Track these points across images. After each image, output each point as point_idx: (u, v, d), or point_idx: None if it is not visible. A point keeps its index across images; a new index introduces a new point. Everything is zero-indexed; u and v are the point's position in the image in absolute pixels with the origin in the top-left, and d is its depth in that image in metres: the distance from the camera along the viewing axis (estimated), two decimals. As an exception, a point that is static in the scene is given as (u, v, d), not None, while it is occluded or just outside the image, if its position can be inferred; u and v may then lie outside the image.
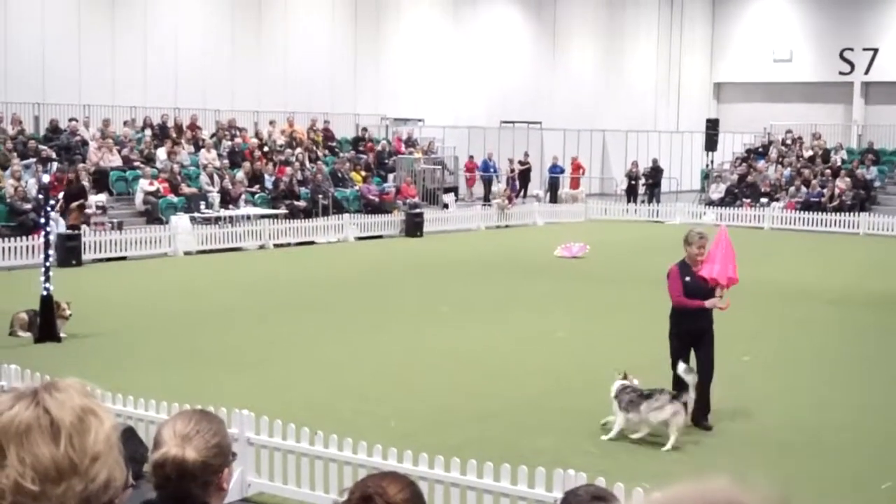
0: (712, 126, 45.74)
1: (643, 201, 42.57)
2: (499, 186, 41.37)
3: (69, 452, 1.98)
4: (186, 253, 27.47)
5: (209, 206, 30.72)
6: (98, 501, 2.02)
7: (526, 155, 44.28)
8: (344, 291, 21.61)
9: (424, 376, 14.17)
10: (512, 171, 42.91)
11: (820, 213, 38.41)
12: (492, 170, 42.84)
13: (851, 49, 53.52)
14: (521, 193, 42.59)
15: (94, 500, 2.01)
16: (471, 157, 43.09)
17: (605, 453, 10.90)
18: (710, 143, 45.21)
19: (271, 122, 37.65)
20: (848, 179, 41.04)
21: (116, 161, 31.70)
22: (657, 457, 10.86)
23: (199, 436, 3.35)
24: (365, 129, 40.75)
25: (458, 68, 46.84)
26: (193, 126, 35.54)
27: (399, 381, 13.87)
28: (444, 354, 15.53)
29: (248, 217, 30.67)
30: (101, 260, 25.75)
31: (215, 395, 11.86)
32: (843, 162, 43.66)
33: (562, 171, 44.38)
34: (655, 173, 43.65)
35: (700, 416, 11.86)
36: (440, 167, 40.11)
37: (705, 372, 11.93)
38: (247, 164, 33.52)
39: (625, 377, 11.80)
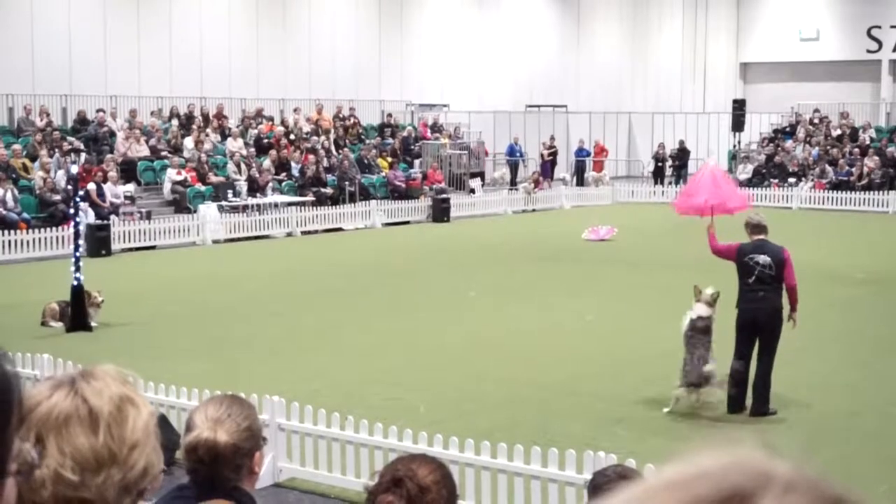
0: (739, 106, 45.46)
1: (670, 183, 42.40)
2: (526, 170, 41.32)
3: (108, 442, 2.01)
4: (215, 242, 27.59)
5: (237, 194, 30.83)
6: (136, 488, 2.04)
7: (552, 139, 44.19)
8: (372, 278, 21.65)
9: (453, 362, 14.19)
10: (544, 155, 42.87)
11: (849, 193, 38.18)
12: (518, 154, 42.78)
13: (879, 27, 53.02)
14: (548, 177, 42.52)
15: (132, 488, 2.03)
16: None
17: (637, 437, 10.89)
18: (737, 124, 44.96)
19: (296, 110, 37.72)
20: (877, 158, 40.75)
21: (144, 151, 31.85)
22: (689, 440, 10.85)
23: (231, 419, 3.38)
24: (390, 115, 40.77)
25: (483, 53, 46.76)
26: (220, 115, 35.66)
27: (428, 367, 13.90)
28: (472, 340, 15.55)
29: (276, 205, 30.75)
30: (130, 250, 25.91)
31: (245, 382, 11.93)
32: (872, 140, 43.36)
33: (588, 155, 44.27)
34: (682, 154, 43.48)
35: (759, 406, 11.67)
36: (466, 152, 40.09)
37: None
38: (273, 153, 33.61)
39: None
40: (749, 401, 11.73)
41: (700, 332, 11.72)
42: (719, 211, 12.50)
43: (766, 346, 11.66)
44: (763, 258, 11.71)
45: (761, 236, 11.95)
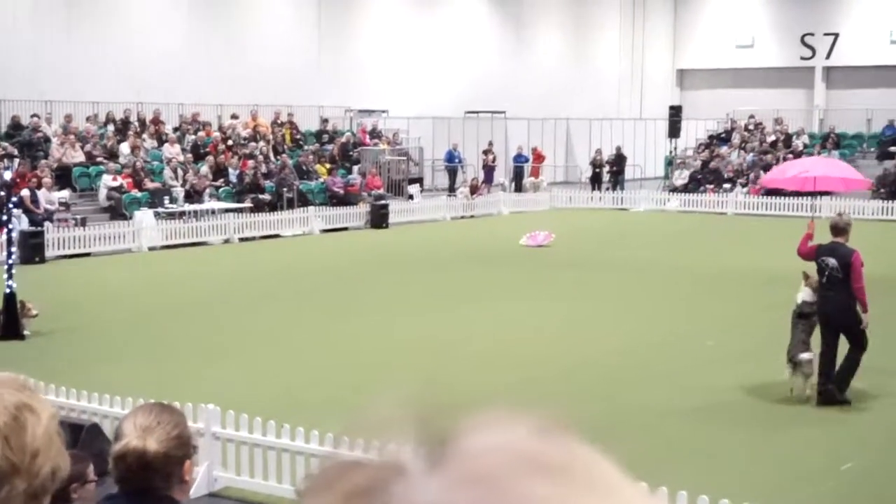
0: (675, 113, 45.91)
1: (607, 189, 42.71)
2: (464, 176, 41.43)
3: (7, 454, 1.96)
4: (151, 248, 27.36)
5: (173, 200, 30.60)
6: (46, 492, 2.01)
7: (490, 144, 44.34)
8: (312, 284, 21.60)
9: (395, 366, 14.19)
10: (486, 161, 43.07)
11: (782, 198, 38.65)
12: (457, 160, 42.88)
13: (812, 34, 53.85)
14: (487, 183, 42.62)
15: (41, 494, 2.00)
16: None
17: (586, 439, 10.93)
18: (673, 130, 45.39)
19: (233, 116, 37.53)
20: (810, 164, 41.26)
21: (79, 157, 31.52)
22: (636, 442, 10.92)
23: (161, 427, 3.37)
24: (326, 121, 40.66)
25: (423, 59, 46.82)
26: (156, 120, 35.38)
27: (371, 372, 13.87)
28: (414, 345, 15.56)
29: (213, 211, 30.56)
30: (64, 257, 25.63)
31: (182, 389, 11.85)
32: (805, 146, 43.96)
33: (526, 161, 44.46)
34: (619, 161, 43.81)
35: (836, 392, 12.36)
36: (405, 158, 40.11)
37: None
38: (211, 158, 33.42)
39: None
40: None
41: (803, 316, 12.56)
42: (822, 186, 13.56)
43: (850, 341, 12.32)
44: (832, 261, 12.31)
45: (838, 239, 12.55)
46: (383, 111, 43.59)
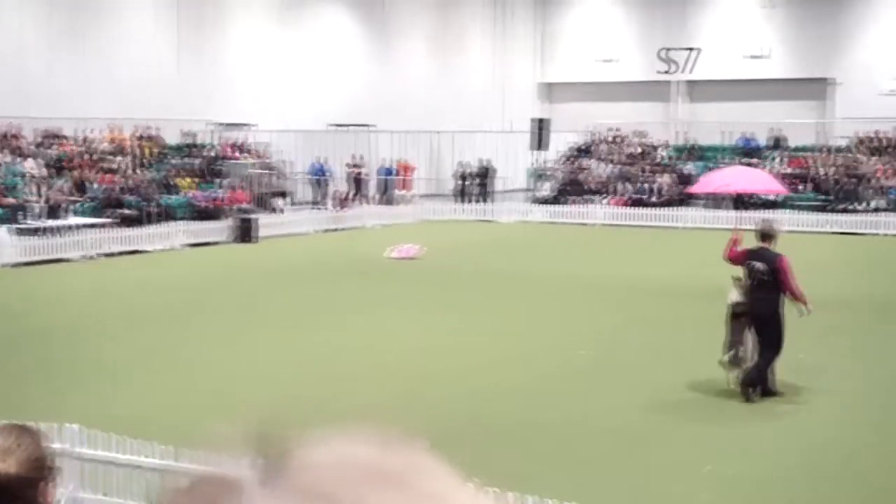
0: (540, 125, 46.50)
1: (475, 201, 43.04)
2: (331, 190, 41.33)
3: None
4: (7, 265, 26.61)
5: (32, 216, 29.84)
6: None
7: (360, 157, 44.32)
8: (177, 301, 21.27)
9: (260, 384, 14.06)
10: (354, 175, 43.06)
11: (645, 209, 39.46)
12: (324, 173, 42.76)
13: (673, 49, 55.08)
14: (355, 196, 42.63)
15: None
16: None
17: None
18: (539, 143, 45.96)
19: (94, 130, 36.78)
20: (671, 175, 42.25)
21: (-68, 172, 30.58)
22: (493, 453, 11.03)
23: (21, 449, 3.27)
24: (192, 135, 40.16)
25: (290, 73, 46.55)
26: (14, 135, 34.47)
27: (236, 389, 13.72)
28: (281, 361, 15.44)
29: (73, 227, 29.89)
30: (-83, 275, 24.81)
31: (44, 410, 11.54)
32: (666, 158, 44.95)
33: (393, 173, 44.56)
34: (485, 173, 44.19)
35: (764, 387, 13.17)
36: (271, 172, 39.84)
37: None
38: (71, 173, 32.70)
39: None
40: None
41: (736, 316, 13.24)
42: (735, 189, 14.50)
43: (768, 342, 12.98)
44: (760, 265, 12.94)
45: (766, 244, 13.19)
46: (250, 125, 43.22)
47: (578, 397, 13.41)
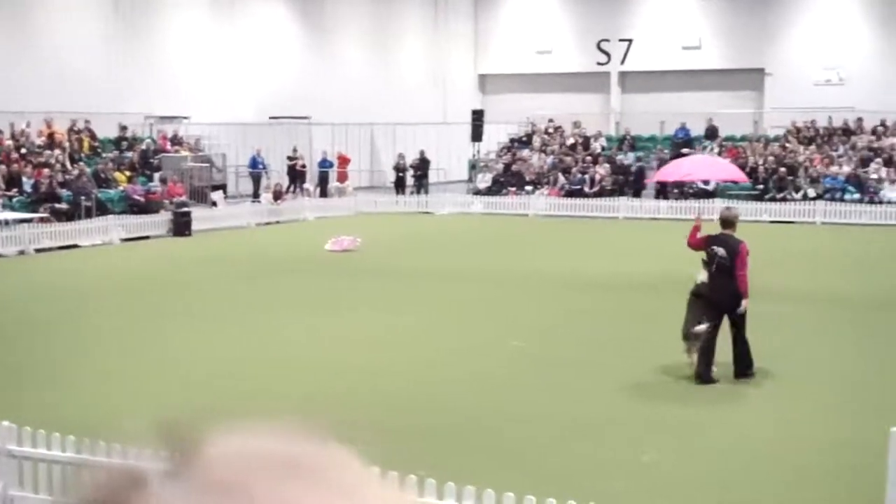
0: (477, 117, 46.58)
1: (412, 193, 43.04)
2: (269, 182, 41.13)
3: None
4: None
5: (-36, 211, 29.42)
6: None
7: (295, 150, 44.14)
8: (114, 296, 21.05)
9: (186, 380, 13.97)
10: (294, 167, 42.89)
11: (582, 199, 39.66)
12: (260, 166, 42.54)
13: (608, 40, 55.40)
14: (293, 189, 42.47)
15: None
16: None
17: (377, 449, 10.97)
18: (476, 134, 46.04)
19: (27, 124, 36.29)
20: (607, 166, 42.51)
21: None
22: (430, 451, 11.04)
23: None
24: (125, 128, 39.73)
25: (226, 66, 46.21)
26: (-56, 129, 33.95)
27: (171, 386, 13.62)
28: (211, 356, 15.35)
29: (6, 222, 29.49)
30: None
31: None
32: (603, 149, 45.21)
33: (331, 166, 44.43)
34: (423, 165, 44.20)
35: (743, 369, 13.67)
36: (208, 165, 39.55)
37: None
38: (3, 167, 32.25)
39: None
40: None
41: (699, 296, 13.63)
42: (698, 177, 15.04)
43: (736, 324, 13.39)
44: (721, 250, 13.33)
45: (727, 230, 13.59)
46: (184, 117, 42.86)
47: (512, 389, 13.45)
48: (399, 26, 56.04)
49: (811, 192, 38.85)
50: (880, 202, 37.91)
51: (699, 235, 13.89)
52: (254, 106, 46.84)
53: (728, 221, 13.70)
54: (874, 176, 39.43)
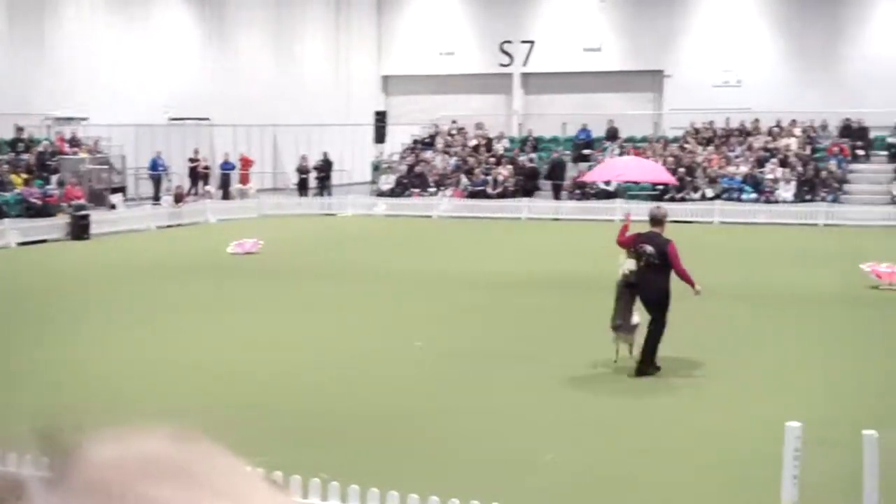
0: (380, 118, 46.55)
1: (315, 194, 42.89)
2: (169, 184, 40.67)
3: None
4: None
5: None
6: None
7: (196, 152, 43.71)
8: (8, 301, 20.64)
9: (82, 385, 13.76)
10: (197, 169, 42.45)
11: (485, 201, 39.85)
12: (161, 168, 42.04)
13: (510, 42, 55.66)
14: (195, 191, 42.05)
15: None
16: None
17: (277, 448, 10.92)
18: (379, 136, 46.03)
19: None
20: (510, 167, 42.77)
21: None
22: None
23: None
24: (21, 129, 38.97)
25: (124, 66, 45.51)
26: None
27: (52, 395, 13.39)
28: (109, 360, 15.13)
29: None
30: None
31: None
32: (506, 150, 45.46)
33: (233, 168, 44.08)
34: (326, 166, 44.07)
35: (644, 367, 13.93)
36: (107, 167, 38.97)
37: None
38: None
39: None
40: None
41: (630, 286, 13.91)
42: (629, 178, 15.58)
43: (655, 318, 13.74)
44: (649, 248, 13.72)
45: (655, 229, 13.96)
46: (83, 119, 42.16)
47: (419, 388, 13.47)
48: (301, 27, 55.74)
49: (709, 192, 39.51)
50: (776, 202, 38.69)
51: (628, 234, 14.19)
52: (154, 107, 46.23)
53: (657, 220, 14.05)
54: (770, 176, 40.25)
